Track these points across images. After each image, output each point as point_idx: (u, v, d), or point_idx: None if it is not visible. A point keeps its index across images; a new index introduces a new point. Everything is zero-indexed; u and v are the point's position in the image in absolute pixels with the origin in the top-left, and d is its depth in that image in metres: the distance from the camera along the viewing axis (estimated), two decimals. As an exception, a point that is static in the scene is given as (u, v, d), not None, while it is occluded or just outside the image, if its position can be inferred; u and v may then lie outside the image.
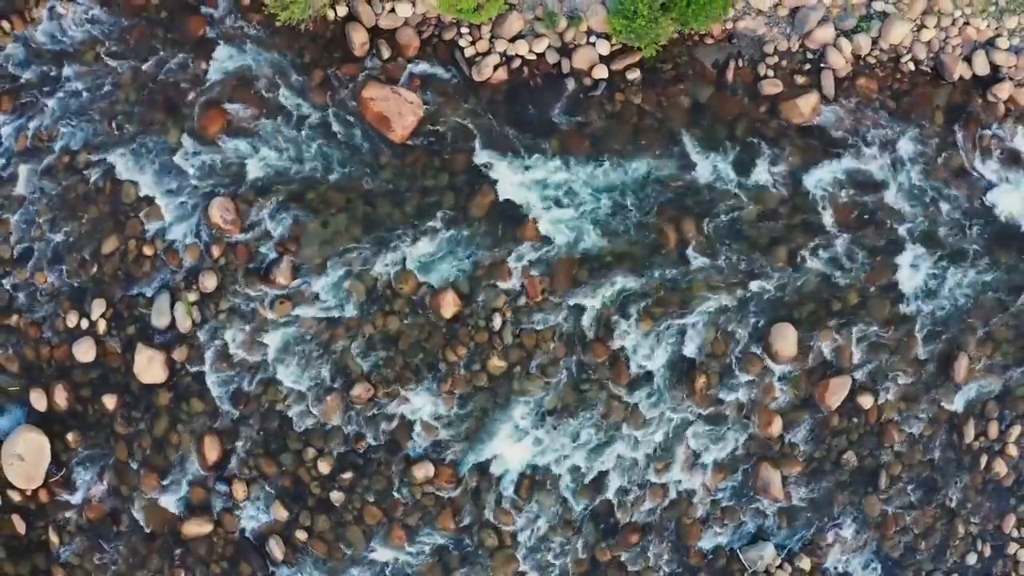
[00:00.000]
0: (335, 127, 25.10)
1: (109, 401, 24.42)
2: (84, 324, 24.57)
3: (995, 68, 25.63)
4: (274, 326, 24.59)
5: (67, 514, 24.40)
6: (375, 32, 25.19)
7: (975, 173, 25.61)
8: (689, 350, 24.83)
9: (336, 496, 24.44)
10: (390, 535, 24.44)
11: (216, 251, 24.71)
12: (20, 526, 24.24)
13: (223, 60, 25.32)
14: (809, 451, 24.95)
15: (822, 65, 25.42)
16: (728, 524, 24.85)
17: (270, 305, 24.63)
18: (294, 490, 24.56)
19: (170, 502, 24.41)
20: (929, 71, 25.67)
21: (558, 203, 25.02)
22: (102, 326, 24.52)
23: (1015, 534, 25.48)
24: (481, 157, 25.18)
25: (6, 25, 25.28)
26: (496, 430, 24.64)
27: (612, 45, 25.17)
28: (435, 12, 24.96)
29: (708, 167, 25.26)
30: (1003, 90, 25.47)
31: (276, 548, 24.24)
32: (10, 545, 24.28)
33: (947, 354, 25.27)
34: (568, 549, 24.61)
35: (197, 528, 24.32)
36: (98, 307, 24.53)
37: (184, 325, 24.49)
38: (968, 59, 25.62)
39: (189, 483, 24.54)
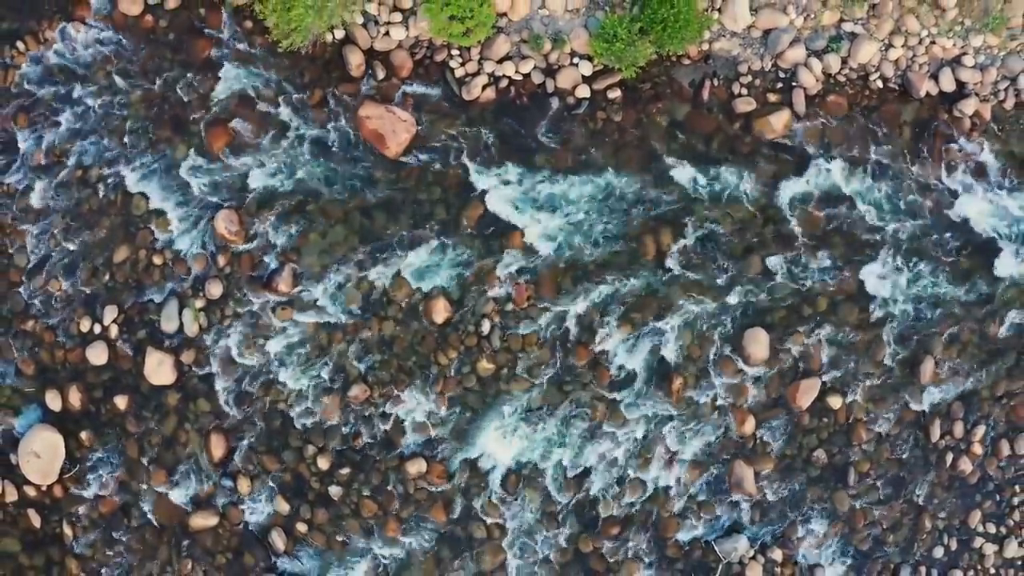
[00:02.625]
0: (333, 143, 25.82)
1: (120, 401, 25.29)
2: (97, 329, 25.37)
3: (961, 84, 26.52)
4: (276, 331, 25.43)
5: (80, 508, 25.34)
6: (371, 54, 25.81)
7: (941, 185, 26.55)
8: (667, 353, 25.73)
9: (335, 490, 25.31)
10: (385, 527, 25.36)
11: (222, 260, 25.42)
12: (36, 520, 25.19)
13: (228, 80, 25.83)
14: (781, 449, 25.96)
15: (793, 84, 26.25)
16: (704, 517, 25.82)
17: (272, 311, 25.41)
18: (295, 485, 25.40)
19: (178, 496, 25.31)
20: (897, 88, 26.57)
21: (543, 215, 25.79)
22: (114, 331, 25.32)
23: (980, 529, 26.60)
24: (471, 172, 25.81)
25: (21, 46, 25.82)
26: (485, 428, 25.52)
27: (594, 66, 25.85)
28: (427, 35, 25.63)
29: (685, 181, 26.05)
30: (969, 106, 26.42)
31: (278, 539, 25.14)
32: (26, 538, 25.26)
33: (913, 357, 26.28)
34: (552, 540, 25.58)
35: (203, 521, 25.24)
36: (110, 313, 25.29)
37: (192, 330, 25.29)
38: (935, 76, 26.48)
39: (196, 478, 25.31)
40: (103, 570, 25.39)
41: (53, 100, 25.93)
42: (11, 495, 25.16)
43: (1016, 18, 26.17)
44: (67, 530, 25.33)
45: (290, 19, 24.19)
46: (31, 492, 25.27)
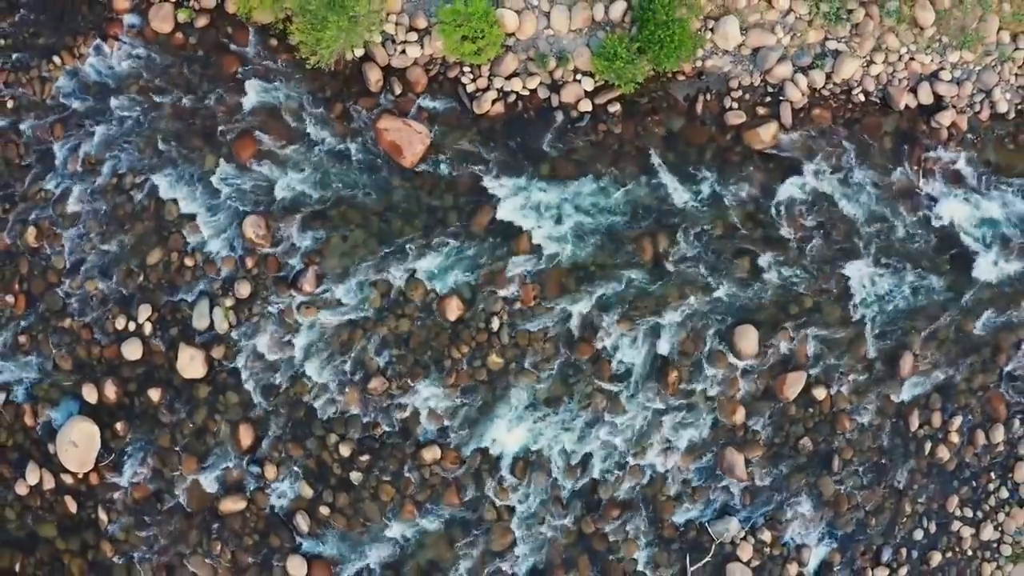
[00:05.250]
0: (353, 154, 27.31)
1: (154, 394, 26.71)
2: (131, 326, 26.89)
3: (938, 98, 27.98)
4: (301, 328, 26.88)
5: (115, 495, 26.71)
6: (388, 70, 27.41)
7: (920, 191, 28.01)
8: (663, 348, 27.19)
9: (355, 476, 26.67)
10: (402, 510, 26.69)
11: (249, 262, 26.92)
12: (72, 506, 26.63)
13: (254, 94, 27.45)
14: (769, 437, 27.35)
15: (781, 98, 27.78)
16: (698, 501, 27.15)
17: (297, 309, 26.89)
18: (318, 471, 26.70)
19: (208, 482, 26.69)
20: (878, 101, 28.08)
21: (548, 220, 27.28)
22: (148, 328, 26.87)
23: (958, 513, 27.81)
24: (481, 180, 27.32)
25: (57, 60, 27.50)
26: (495, 418, 26.90)
27: (596, 82, 27.33)
28: (441, 54, 27.27)
29: (680, 188, 27.54)
30: (946, 117, 27.90)
31: (302, 522, 26.51)
32: (63, 524, 26.64)
33: (894, 352, 27.58)
34: (557, 522, 26.93)
35: (232, 505, 26.64)
36: (144, 311, 26.84)
37: (222, 327, 26.80)
38: (914, 90, 27.95)
39: (225, 465, 26.79)
40: (136, 553, 26.61)
41: (88, 112, 27.54)
42: (49, 483, 26.70)
43: (990, 35, 27.64)
44: (102, 515, 26.70)
45: (320, 39, 25.44)
46: (68, 480, 26.75)
